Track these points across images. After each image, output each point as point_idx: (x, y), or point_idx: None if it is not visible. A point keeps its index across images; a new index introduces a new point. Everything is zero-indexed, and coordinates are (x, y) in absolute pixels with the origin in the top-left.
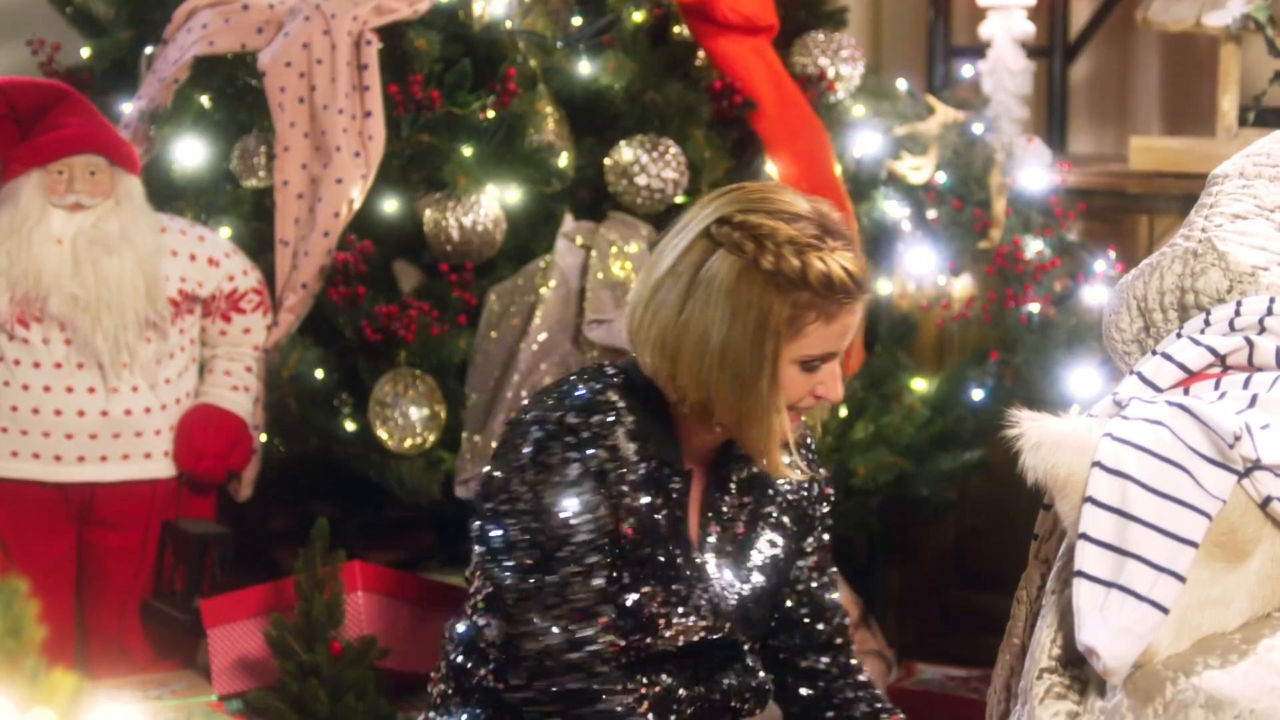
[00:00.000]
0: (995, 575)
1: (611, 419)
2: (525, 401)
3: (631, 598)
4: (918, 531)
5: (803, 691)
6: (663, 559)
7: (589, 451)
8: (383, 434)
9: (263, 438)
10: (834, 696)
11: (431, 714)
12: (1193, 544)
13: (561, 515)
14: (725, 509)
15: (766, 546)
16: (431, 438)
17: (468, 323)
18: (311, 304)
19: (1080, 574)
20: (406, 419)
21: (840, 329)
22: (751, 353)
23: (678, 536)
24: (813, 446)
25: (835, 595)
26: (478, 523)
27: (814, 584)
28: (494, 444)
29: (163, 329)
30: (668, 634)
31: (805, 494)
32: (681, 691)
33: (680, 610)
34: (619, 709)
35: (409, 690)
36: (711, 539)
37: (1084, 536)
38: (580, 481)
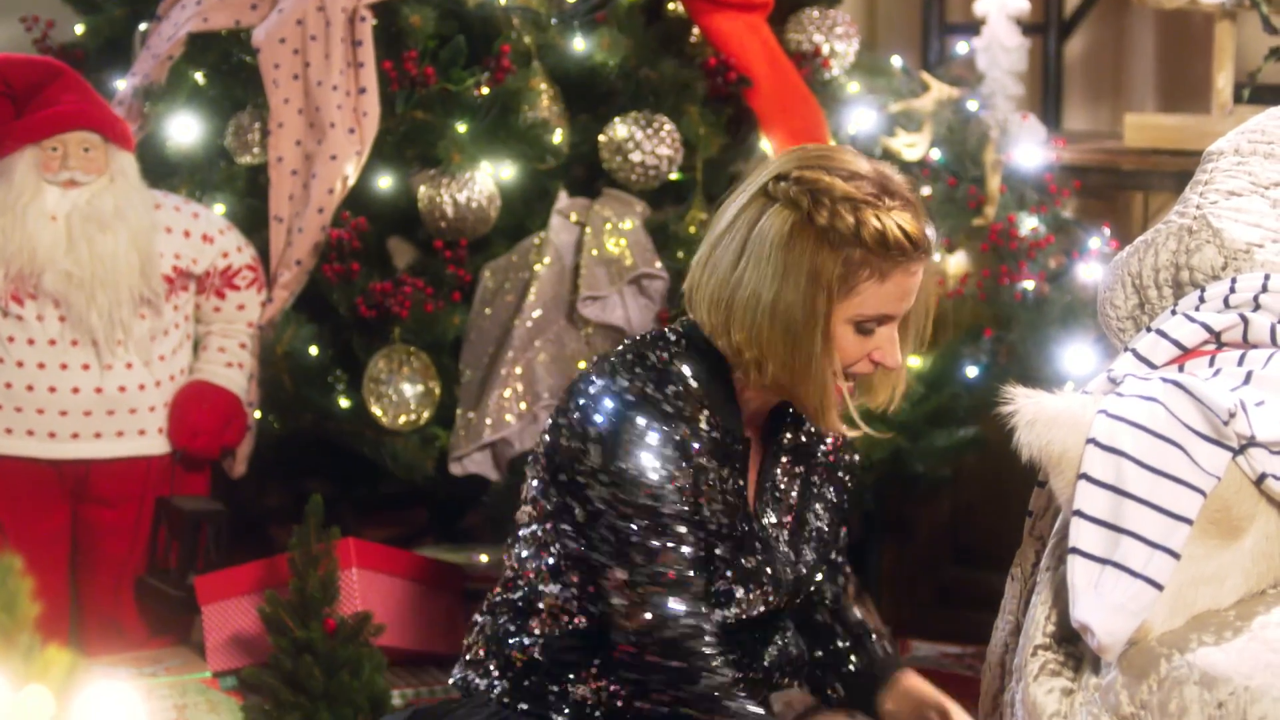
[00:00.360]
0: (990, 552)
1: (684, 389)
2: (584, 366)
3: (718, 576)
4: (912, 508)
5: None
6: (734, 533)
7: (668, 425)
8: (377, 410)
9: (257, 414)
10: (828, 643)
11: (469, 674)
12: (1187, 521)
13: (648, 485)
14: (781, 478)
15: (813, 519)
16: (426, 414)
17: (462, 299)
18: (306, 280)
19: (1075, 551)
20: (401, 395)
21: (896, 290)
22: (803, 308)
23: (744, 508)
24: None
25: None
26: (546, 490)
27: (835, 551)
28: (554, 410)
29: (157, 305)
30: (733, 610)
31: (840, 459)
32: None
33: (750, 584)
34: (717, 691)
35: (404, 666)
36: (769, 510)
37: (1078, 513)
38: (661, 452)
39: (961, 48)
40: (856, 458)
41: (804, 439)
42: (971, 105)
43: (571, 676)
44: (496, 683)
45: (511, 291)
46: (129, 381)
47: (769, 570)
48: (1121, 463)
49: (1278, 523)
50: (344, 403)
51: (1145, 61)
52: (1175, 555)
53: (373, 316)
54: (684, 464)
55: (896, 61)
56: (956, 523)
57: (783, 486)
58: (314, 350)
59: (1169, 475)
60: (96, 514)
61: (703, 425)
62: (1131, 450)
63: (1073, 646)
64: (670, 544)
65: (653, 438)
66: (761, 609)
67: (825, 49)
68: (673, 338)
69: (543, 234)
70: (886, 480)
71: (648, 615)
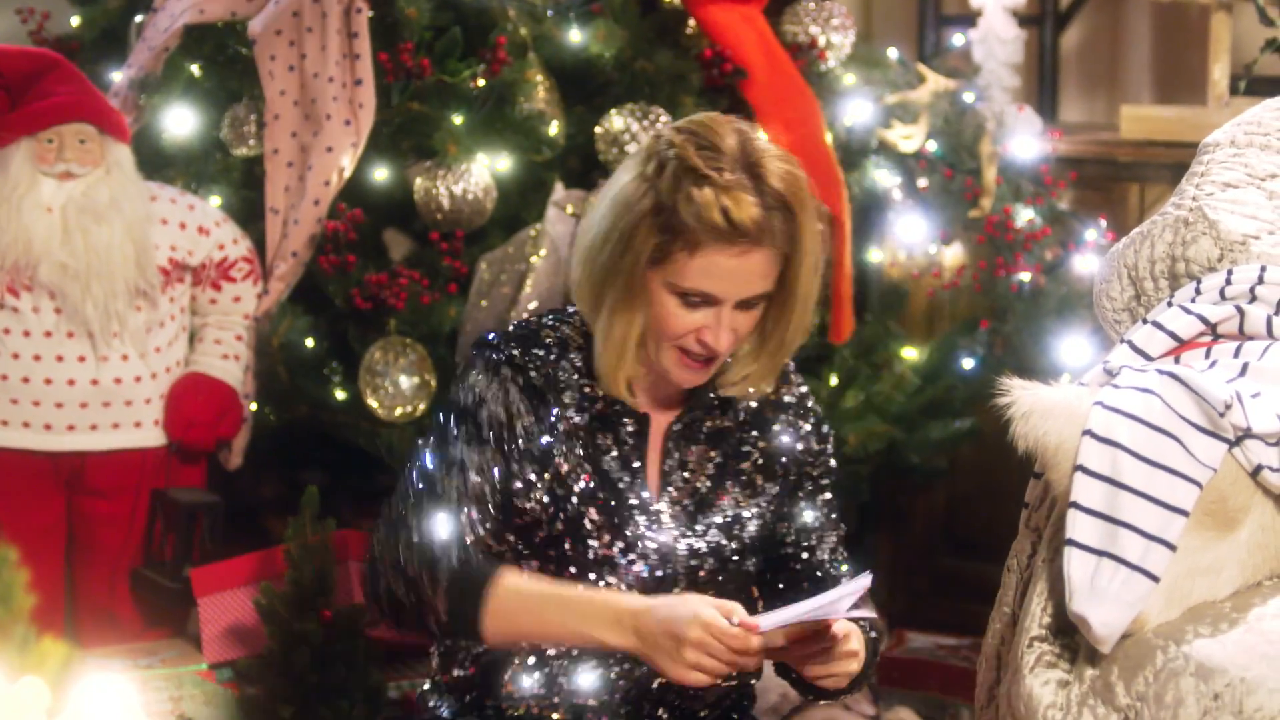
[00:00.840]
0: (985, 544)
1: (551, 356)
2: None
3: (591, 542)
4: (908, 500)
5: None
6: (614, 503)
7: (522, 378)
8: (373, 402)
9: (253, 406)
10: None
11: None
12: (1183, 512)
13: (464, 402)
14: (690, 459)
15: (730, 505)
16: (421, 406)
17: (458, 291)
18: (302, 272)
19: (1071, 543)
20: (396, 387)
21: (710, 268)
22: (611, 259)
23: (633, 482)
24: (810, 406)
25: (843, 567)
26: None
27: (818, 554)
28: None
29: (153, 297)
30: (614, 579)
31: (795, 456)
32: None
33: (630, 556)
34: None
35: (399, 659)
36: (671, 489)
37: (1074, 505)
38: (500, 395)
39: (958, 39)
40: (826, 449)
41: (732, 425)
42: (968, 97)
43: (505, 679)
44: (442, 701)
45: (507, 283)
46: (124, 373)
47: (652, 543)
48: (1117, 454)
49: (1273, 514)
50: (340, 394)
51: (1141, 53)
52: (1171, 547)
53: (368, 308)
54: (529, 415)
55: (893, 53)
56: (952, 514)
57: (692, 468)
58: (310, 342)
59: (1165, 467)
60: (92, 506)
61: (575, 391)
62: (1127, 442)
63: (1069, 638)
64: (461, 463)
65: (493, 386)
66: (658, 586)
67: (821, 40)
68: (573, 310)
69: (539, 226)
70: (882, 472)
71: (395, 531)
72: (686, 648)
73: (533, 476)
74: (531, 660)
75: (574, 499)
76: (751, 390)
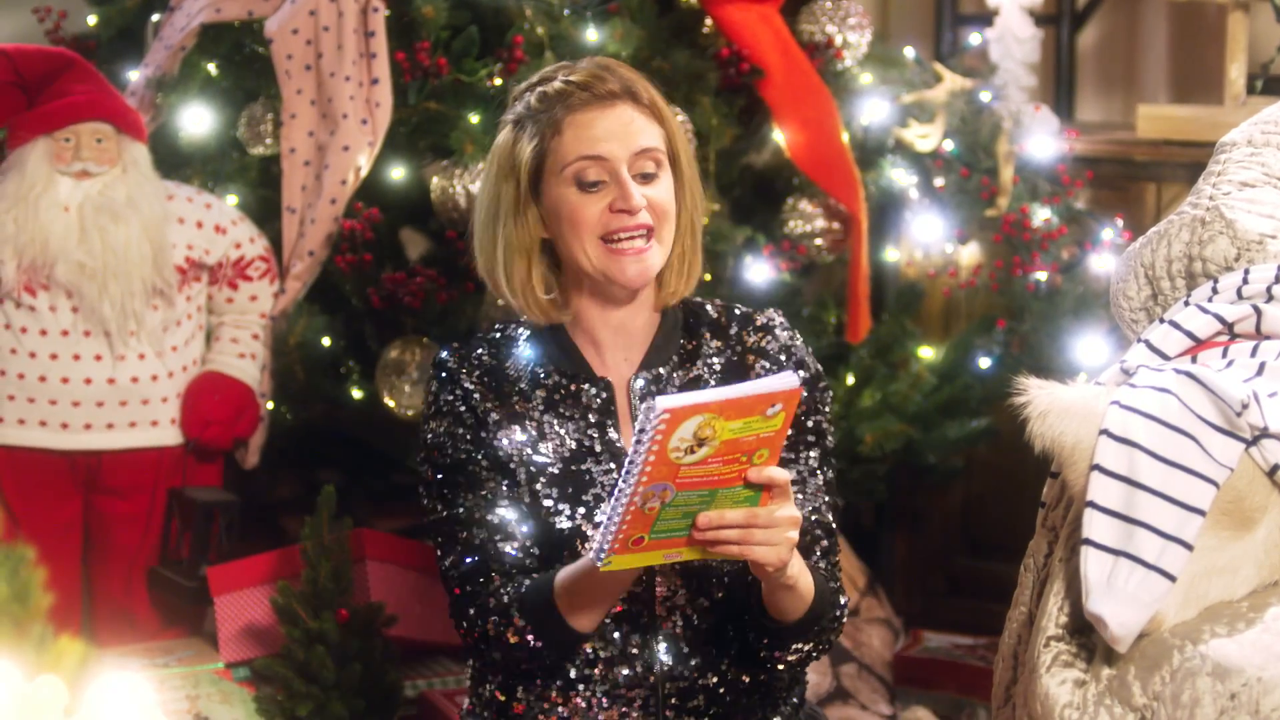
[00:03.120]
0: (1002, 543)
1: (496, 351)
2: None
3: (564, 523)
4: (925, 499)
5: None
6: (587, 478)
7: (459, 387)
8: (390, 401)
9: (269, 405)
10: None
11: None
12: (1200, 512)
13: (440, 442)
14: None
15: None
16: None
17: (475, 290)
18: (318, 271)
19: (1088, 542)
20: (413, 386)
21: (587, 130)
22: (491, 190)
23: (609, 453)
24: (800, 357)
25: (814, 513)
26: None
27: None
28: None
29: (169, 296)
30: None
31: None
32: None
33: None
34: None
35: (416, 658)
36: None
37: (1091, 504)
38: (443, 415)
39: (974, 39)
40: (802, 374)
41: (699, 374)
42: (984, 96)
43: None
44: None
45: None
46: (141, 372)
47: None
48: (1134, 454)
49: None
50: (356, 393)
51: (1158, 53)
52: (1188, 546)
53: (385, 307)
54: (470, 420)
55: (909, 52)
56: (968, 513)
57: None
58: (326, 341)
59: (1182, 466)
60: (109, 505)
61: (522, 379)
62: (1144, 441)
63: (1085, 638)
64: (441, 505)
65: (441, 403)
66: None
67: (838, 40)
68: (524, 318)
69: None
70: (898, 471)
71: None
72: None
73: (506, 484)
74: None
75: (538, 482)
76: (686, 288)
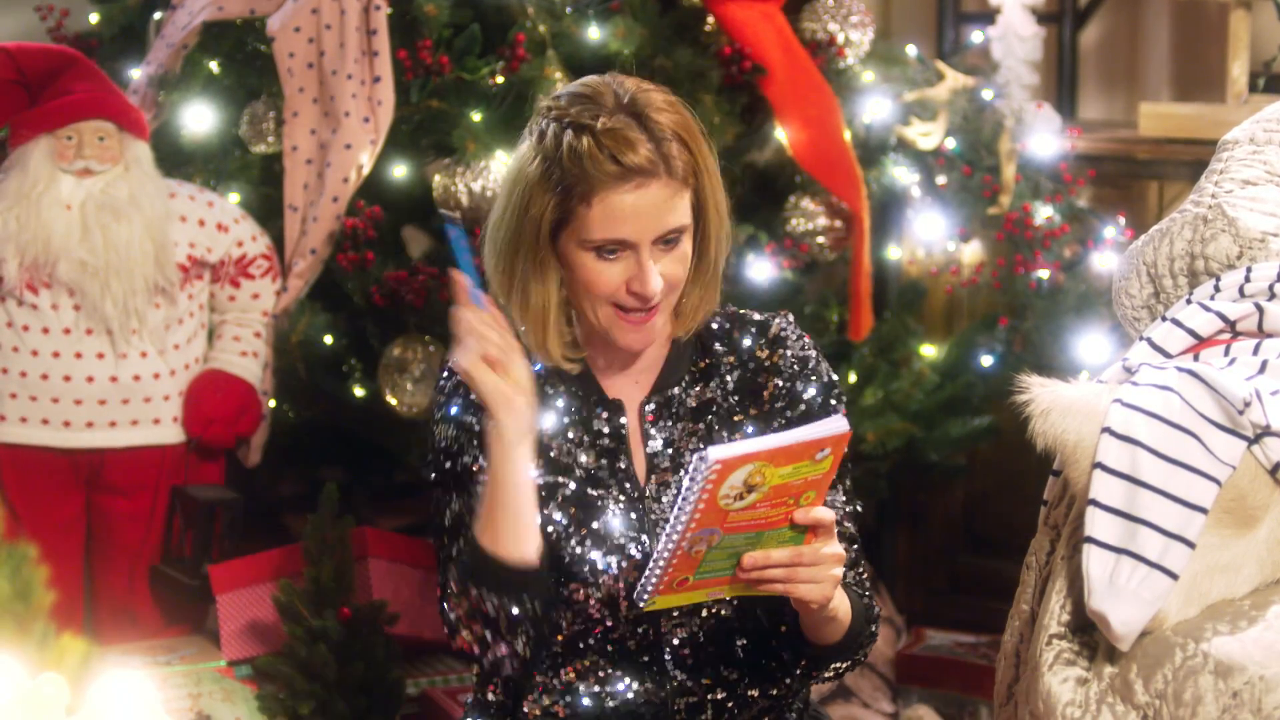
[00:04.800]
0: (1004, 541)
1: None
2: None
3: (571, 549)
4: (927, 497)
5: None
6: (599, 504)
7: (469, 398)
8: (392, 399)
9: (272, 403)
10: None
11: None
12: (1202, 510)
13: (451, 448)
14: (675, 437)
15: None
16: None
17: None
18: (320, 269)
19: (1090, 540)
20: (415, 384)
21: (611, 212)
22: (510, 225)
23: (618, 479)
24: (814, 367)
25: (837, 524)
26: None
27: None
28: None
29: (171, 294)
30: (598, 580)
31: (774, 404)
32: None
33: (610, 553)
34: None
35: (418, 656)
36: (657, 474)
37: (1093, 502)
38: (450, 421)
39: (976, 37)
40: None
41: (712, 395)
42: (986, 94)
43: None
44: None
45: None
46: (143, 370)
47: (637, 539)
48: (1137, 452)
49: None
50: (359, 391)
51: (1160, 50)
52: (1191, 545)
53: (387, 305)
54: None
55: (911, 50)
56: (970, 511)
57: (678, 446)
58: (329, 339)
59: (1184, 464)
60: (111, 503)
61: (536, 392)
62: (1146, 439)
63: (1088, 636)
64: (442, 509)
65: (452, 408)
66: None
67: (840, 38)
68: (523, 329)
69: None
70: (901, 469)
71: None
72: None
73: None
74: (552, 683)
75: (546, 506)
76: (703, 318)
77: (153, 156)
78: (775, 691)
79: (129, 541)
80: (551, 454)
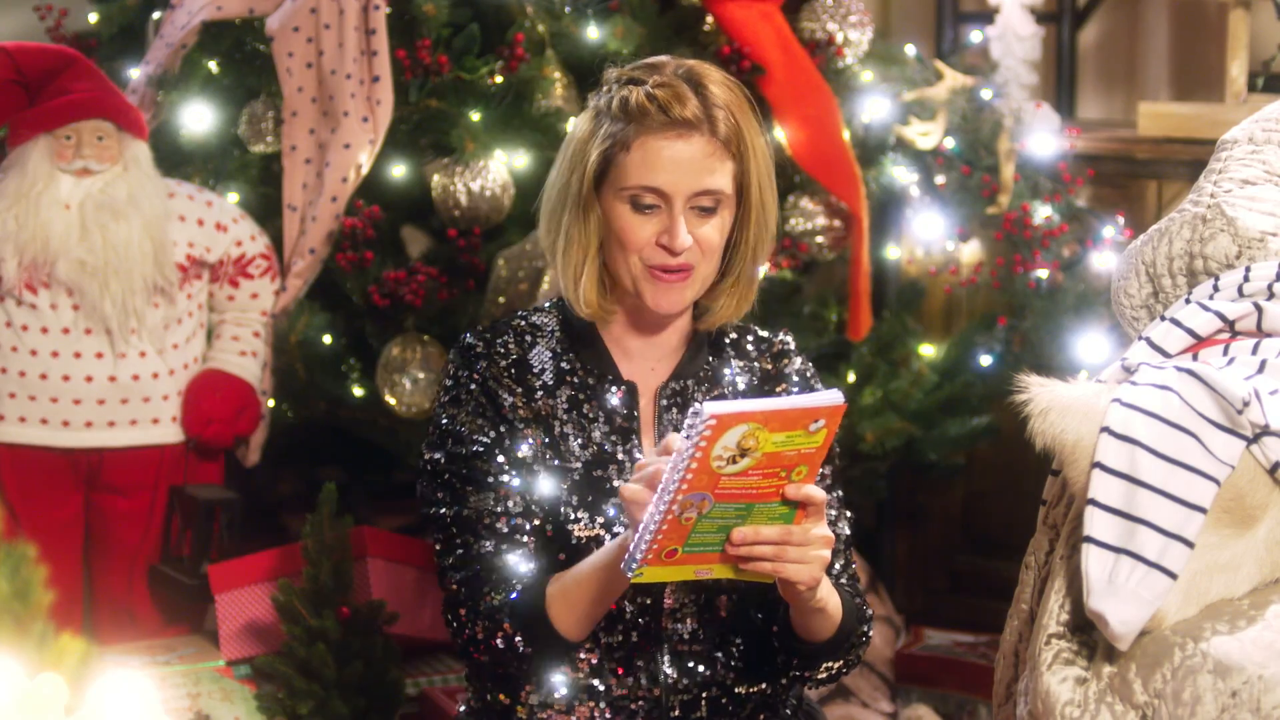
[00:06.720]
0: (1003, 540)
1: (525, 338)
2: None
3: (581, 530)
4: (926, 497)
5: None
6: (607, 486)
7: (483, 375)
8: (390, 399)
9: (270, 403)
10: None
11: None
12: (1201, 510)
13: (458, 430)
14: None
15: None
16: None
17: (476, 288)
18: (319, 269)
19: (1089, 539)
20: (414, 384)
21: (653, 159)
22: (562, 178)
23: (630, 461)
24: (814, 384)
25: (831, 526)
26: None
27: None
28: None
29: (170, 294)
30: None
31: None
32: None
33: (613, 530)
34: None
35: (417, 655)
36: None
37: (1092, 502)
38: (462, 403)
39: (975, 36)
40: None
41: (721, 394)
42: (985, 94)
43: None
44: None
45: (525, 280)
46: (142, 370)
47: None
48: (1136, 451)
49: None
50: (358, 391)
51: (1159, 50)
52: (1190, 544)
53: (386, 305)
54: (489, 413)
55: (910, 50)
56: (969, 511)
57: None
58: (327, 339)
59: (1183, 464)
60: (110, 502)
61: (546, 370)
62: (1145, 439)
63: (1087, 635)
64: (449, 498)
65: (461, 391)
66: None
67: (839, 37)
68: (548, 305)
69: None
70: (899, 469)
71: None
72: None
73: (520, 484)
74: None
75: (557, 487)
76: (732, 322)
77: (151, 156)
78: (769, 690)
79: (128, 541)
80: (565, 430)
